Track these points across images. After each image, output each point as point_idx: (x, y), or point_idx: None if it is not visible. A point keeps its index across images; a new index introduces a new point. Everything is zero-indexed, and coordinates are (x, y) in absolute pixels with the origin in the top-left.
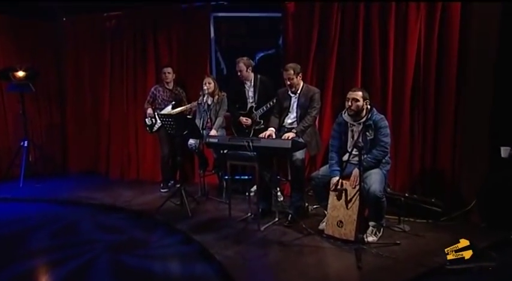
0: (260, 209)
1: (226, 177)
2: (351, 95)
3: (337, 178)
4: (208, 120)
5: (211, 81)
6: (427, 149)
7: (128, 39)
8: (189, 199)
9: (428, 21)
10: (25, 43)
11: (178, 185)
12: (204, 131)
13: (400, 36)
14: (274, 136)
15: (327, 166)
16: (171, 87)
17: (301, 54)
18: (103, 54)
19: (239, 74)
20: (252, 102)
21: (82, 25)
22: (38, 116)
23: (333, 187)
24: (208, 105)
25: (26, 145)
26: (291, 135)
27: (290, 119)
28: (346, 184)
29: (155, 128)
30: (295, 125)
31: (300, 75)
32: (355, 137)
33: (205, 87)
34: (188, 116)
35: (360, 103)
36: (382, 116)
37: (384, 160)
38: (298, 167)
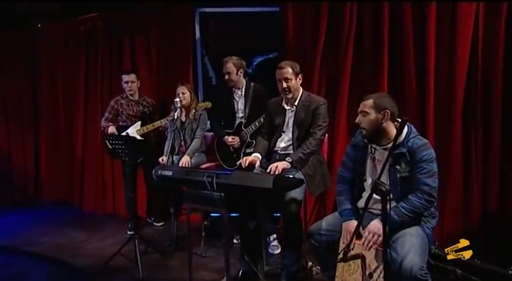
0: (240, 273)
1: (212, 214)
2: (360, 106)
3: (352, 222)
4: (182, 142)
5: (186, 91)
6: (491, 188)
7: (103, 46)
8: (153, 249)
9: (488, 16)
10: None
11: (130, 232)
12: (176, 158)
13: (446, 34)
14: (258, 166)
15: (334, 215)
16: (136, 99)
17: (305, 56)
18: (77, 65)
19: (227, 77)
20: (241, 117)
21: (57, 32)
22: (7, 138)
23: (342, 252)
24: (182, 123)
25: None
26: (281, 165)
27: (284, 141)
28: (360, 246)
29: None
30: (291, 151)
31: (300, 77)
32: (378, 170)
33: (177, 99)
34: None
35: (373, 117)
36: (426, 141)
37: (426, 214)
38: (293, 215)
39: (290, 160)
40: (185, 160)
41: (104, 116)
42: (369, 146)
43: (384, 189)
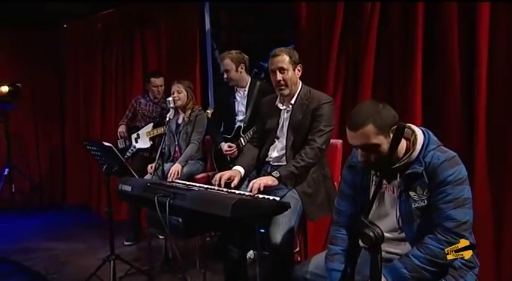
0: None
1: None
2: (357, 139)
3: None
4: (176, 147)
5: (182, 89)
6: None
7: (117, 43)
8: (137, 270)
9: None
10: (23, 55)
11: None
12: (169, 165)
13: (502, 22)
14: (234, 184)
15: (325, 254)
16: (157, 100)
17: (320, 50)
18: (94, 64)
19: (225, 76)
20: (241, 120)
21: (79, 31)
22: (35, 139)
23: None
24: (178, 126)
25: (5, 173)
26: (263, 182)
27: (277, 150)
28: None
29: (127, 155)
30: (285, 162)
31: (300, 68)
32: (387, 201)
33: (170, 99)
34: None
35: (385, 147)
36: (452, 154)
37: (457, 264)
38: (279, 248)
39: (277, 175)
40: (175, 169)
41: (125, 114)
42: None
43: (371, 235)
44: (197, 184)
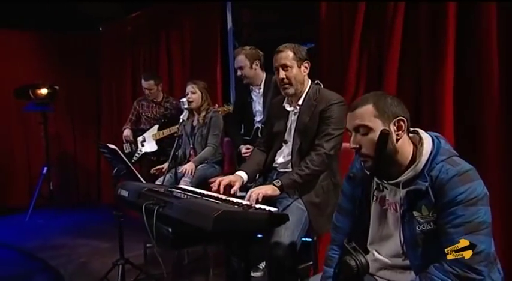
0: None
1: None
2: (352, 118)
3: None
4: (192, 150)
5: (197, 90)
6: None
7: (144, 45)
8: (147, 277)
9: None
10: (61, 58)
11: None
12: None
13: None
14: (234, 190)
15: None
16: (159, 100)
17: (341, 46)
18: (124, 66)
19: (239, 74)
20: (259, 121)
21: (112, 33)
22: (72, 139)
23: None
24: (193, 128)
25: (44, 171)
26: (263, 191)
27: (284, 155)
28: None
29: (134, 159)
30: (291, 169)
31: (307, 65)
32: (390, 221)
33: (184, 100)
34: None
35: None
36: (467, 167)
37: None
38: (279, 264)
39: (279, 184)
40: (189, 167)
41: (129, 117)
42: (372, 180)
43: (353, 265)
44: (199, 190)
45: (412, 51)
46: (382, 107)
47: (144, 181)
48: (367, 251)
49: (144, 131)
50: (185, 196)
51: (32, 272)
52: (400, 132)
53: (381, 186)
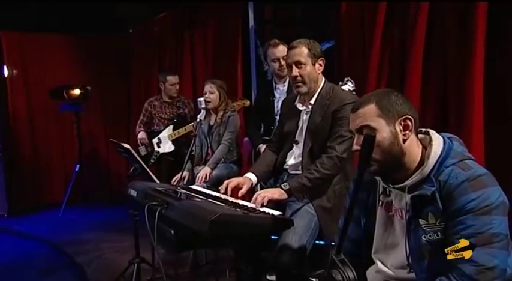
0: None
1: None
2: (353, 119)
3: None
4: (209, 150)
5: (215, 90)
6: None
7: (170, 45)
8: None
9: None
10: (93, 60)
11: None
12: (200, 169)
13: None
14: (243, 191)
15: None
16: (171, 100)
17: (363, 43)
18: (152, 67)
19: (268, 66)
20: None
21: (141, 35)
22: (104, 137)
23: None
24: (210, 127)
25: (77, 169)
26: (269, 195)
27: (294, 157)
28: None
29: (152, 161)
30: (301, 171)
31: (321, 62)
32: (397, 228)
33: (201, 99)
34: None
35: (386, 135)
36: (480, 171)
37: None
38: (284, 270)
39: (286, 187)
40: (203, 173)
41: (139, 119)
42: (378, 183)
43: (339, 280)
44: (209, 191)
45: (437, 49)
46: (386, 106)
47: (157, 181)
48: (371, 261)
49: (157, 132)
50: (189, 198)
51: (59, 267)
52: (407, 132)
53: (387, 190)
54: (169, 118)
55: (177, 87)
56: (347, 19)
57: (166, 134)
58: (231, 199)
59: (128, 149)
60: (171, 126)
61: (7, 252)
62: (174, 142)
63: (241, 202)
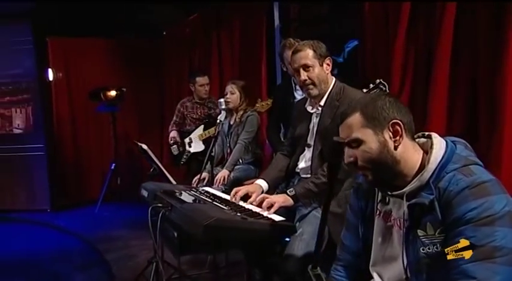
0: None
1: None
2: (341, 132)
3: None
4: (228, 150)
5: (236, 90)
6: None
7: (200, 46)
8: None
9: None
10: (128, 62)
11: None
12: (218, 170)
13: None
14: (252, 199)
15: None
16: (202, 101)
17: (387, 43)
18: (183, 68)
19: (286, 68)
20: None
21: (174, 37)
22: (138, 137)
23: None
24: (229, 127)
25: (112, 167)
26: (277, 201)
27: (305, 160)
28: None
29: (183, 160)
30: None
31: (329, 62)
32: (395, 239)
33: (221, 100)
34: None
35: (373, 146)
36: (484, 177)
37: None
38: (288, 278)
39: (292, 193)
40: (221, 175)
41: (173, 119)
42: (377, 191)
43: None
44: (219, 193)
45: (466, 48)
46: (371, 114)
47: (174, 182)
48: (368, 275)
49: (189, 132)
50: (195, 201)
51: (91, 264)
52: (398, 138)
53: (386, 198)
54: (200, 118)
55: (207, 88)
56: (370, 18)
57: (196, 134)
58: (240, 202)
59: (145, 149)
60: (202, 127)
61: (48, 245)
62: (204, 141)
63: (248, 206)
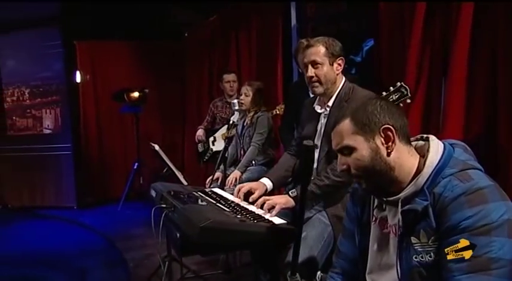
0: None
1: None
2: (333, 139)
3: None
4: (241, 151)
5: (250, 92)
6: None
7: (219, 47)
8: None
9: None
10: (151, 63)
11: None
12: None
13: None
14: (255, 197)
15: None
16: (231, 100)
17: (403, 45)
18: (202, 69)
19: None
20: None
21: (195, 38)
22: (160, 137)
23: None
24: (243, 128)
25: (135, 167)
26: (278, 202)
27: (314, 161)
28: None
29: (206, 158)
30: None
31: (340, 62)
32: (391, 247)
33: (235, 101)
34: None
35: (365, 153)
36: (482, 183)
37: None
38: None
39: (294, 194)
40: (233, 177)
41: (205, 118)
42: (372, 197)
43: None
44: (225, 194)
45: (484, 48)
46: (361, 120)
47: (185, 182)
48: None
49: (216, 131)
50: (198, 201)
51: (111, 262)
52: (390, 143)
53: (383, 204)
54: (228, 118)
55: (232, 85)
56: (385, 17)
57: (220, 133)
58: (243, 204)
59: (157, 150)
60: (226, 126)
61: (72, 242)
62: (225, 141)
63: (251, 208)
